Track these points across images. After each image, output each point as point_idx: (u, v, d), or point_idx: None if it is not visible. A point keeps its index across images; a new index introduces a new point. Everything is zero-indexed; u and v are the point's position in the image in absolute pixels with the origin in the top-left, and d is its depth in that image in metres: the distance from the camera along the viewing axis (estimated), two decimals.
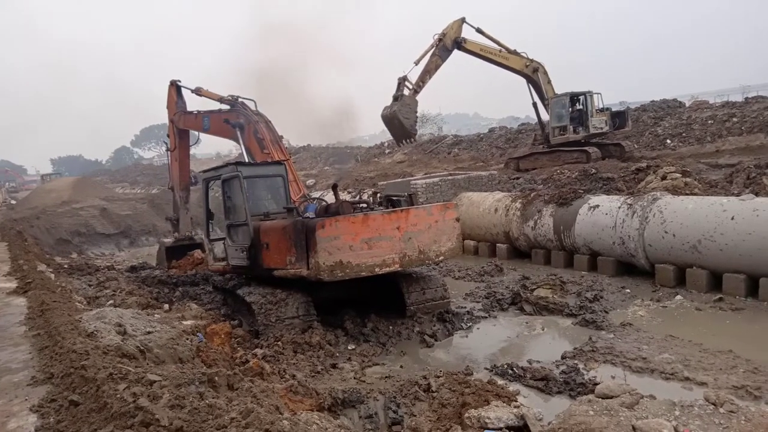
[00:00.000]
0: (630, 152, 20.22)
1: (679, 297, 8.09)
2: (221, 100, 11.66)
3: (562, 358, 6.25)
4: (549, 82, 20.09)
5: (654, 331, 6.87)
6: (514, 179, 17.75)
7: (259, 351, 6.53)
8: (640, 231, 8.93)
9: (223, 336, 6.83)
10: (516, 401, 4.84)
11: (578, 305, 8.02)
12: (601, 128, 20.05)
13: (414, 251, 7.26)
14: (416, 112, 18.16)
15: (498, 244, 12.45)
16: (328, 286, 7.17)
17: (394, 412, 5.09)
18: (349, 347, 7.14)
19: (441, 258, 7.77)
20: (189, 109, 12.92)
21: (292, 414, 4.20)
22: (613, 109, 21.60)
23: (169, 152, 13.91)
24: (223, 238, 8.80)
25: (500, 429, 4.37)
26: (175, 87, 13.08)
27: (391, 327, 7.62)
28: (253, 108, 10.94)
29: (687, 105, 25.63)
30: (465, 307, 8.56)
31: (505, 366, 6.09)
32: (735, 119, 20.79)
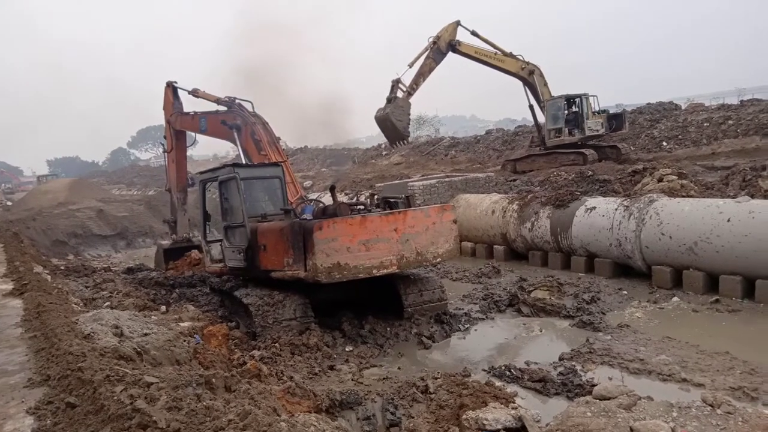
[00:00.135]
0: (626, 154, 20.27)
1: (676, 298, 8.11)
2: (218, 101, 11.65)
3: (560, 359, 6.26)
4: (545, 84, 20.17)
5: (651, 332, 6.89)
6: (511, 181, 17.79)
7: (256, 353, 6.52)
8: (637, 233, 8.96)
9: (220, 338, 6.82)
10: (514, 403, 4.84)
11: (575, 307, 8.04)
12: (597, 130, 20.11)
13: (411, 253, 7.27)
14: (409, 114, 18.31)
15: (495, 246, 12.47)
16: (325, 287, 7.16)
17: (392, 413, 5.08)
18: (346, 349, 7.13)
19: (438, 260, 7.78)
20: (186, 110, 12.90)
21: (289, 416, 4.18)
22: (611, 112, 21.68)
23: (165, 154, 13.87)
24: (221, 240, 8.78)
25: (498, 430, 4.38)
26: (172, 88, 13.05)
27: (388, 329, 7.62)
28: (250, 109, 10.93)
29: (683, 108, 25.73)
30: (462, 309, 8.57)
31: (503, 367, 6.10)
32: (731, 122, 20.88)
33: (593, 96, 20.29)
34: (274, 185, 8.98)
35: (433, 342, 7.36)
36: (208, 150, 69.45)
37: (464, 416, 4.57)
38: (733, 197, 9.70)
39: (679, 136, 21.74)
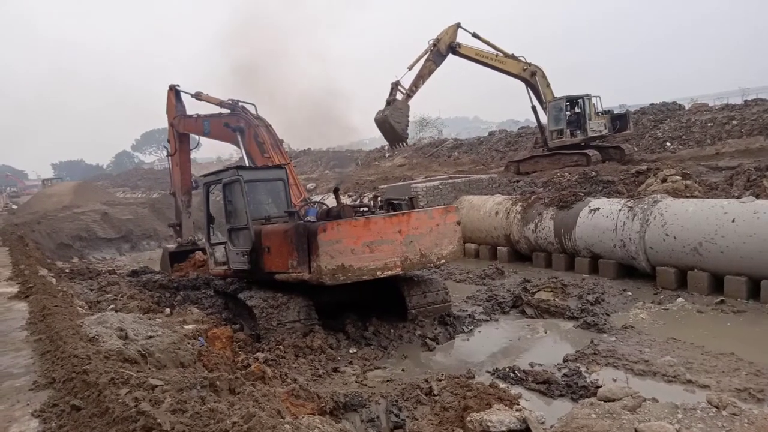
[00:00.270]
0: (630, 155, 20.21)
1: (680, 299, 8.08)
2: (221, 104, 11.69)
3: (564, 361, 6.23)
4: (548, 85, 20.12)
5: (656, 333, 6.86)
6: (514, 182, 17.77)
7: (260, 355, 6.53)
8: (641, 233, 8.93)
9: (224, 340, 6.83)
10: (518, 405, 4.83)
11: (579, 308, 8.01)
12: (600, 131, 20.05)
13: (415, 254, 7.26)
14: (408, 116, 18.35)
15: (499, 247, 12.45)
16: (329, 289, 7.17)
17: (396, 415, 5.08)
18: (350, 351, 7.13)
19: (442, 261, 7.77)
20: (189, 113, 12.95)
21: (293, 418, 4.19)
22: (615, 112, 21.62)
23: (169, 157, 13.93)
24: (225, 242, 8.80)
25: None
26: (174, 91, 13.11)
27: (392, 330, 7.62)
28: (253, 112, 10.97)
29: (686, 108, 25.65)
30: (466, 311, 8.55)
31: (507, 369, 6.08)
32: (734, 122, 20.81)
33: (596, 97, 20.22)
34: (278, 187, 9.00)
35: (437, 344, 7.35)
36: (211, 153, 69.71)
37: (468, 418, 4.56)
38: (738, 197, 9.66)
39: (683, 137, 21.68)
